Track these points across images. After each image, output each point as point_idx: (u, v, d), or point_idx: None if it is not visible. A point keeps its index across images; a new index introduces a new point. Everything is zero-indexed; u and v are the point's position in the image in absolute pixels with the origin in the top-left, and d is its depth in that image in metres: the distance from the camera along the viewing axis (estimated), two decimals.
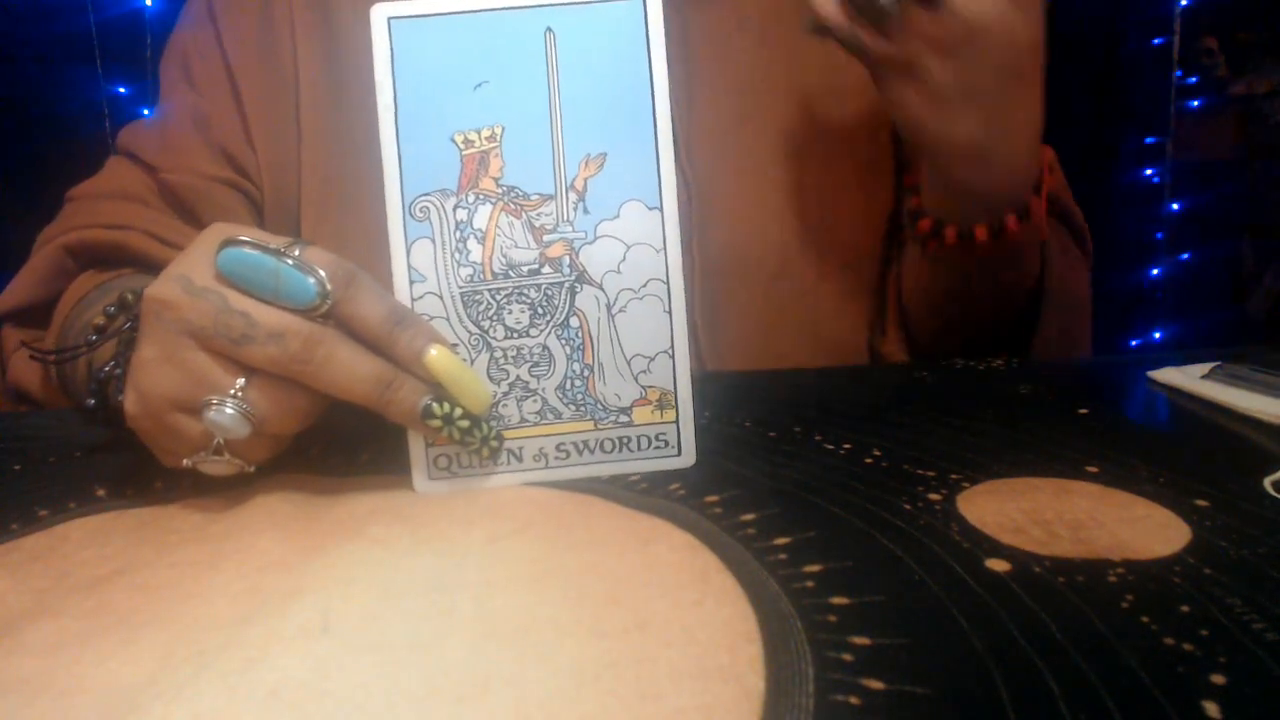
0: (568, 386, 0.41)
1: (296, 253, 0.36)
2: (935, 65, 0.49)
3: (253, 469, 0.39)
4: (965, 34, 0.48)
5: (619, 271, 0.40)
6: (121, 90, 1.55)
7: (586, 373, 0.41)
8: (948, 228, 0.58)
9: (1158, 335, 1.95)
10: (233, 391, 0.36)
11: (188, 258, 0.38)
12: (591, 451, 0.41)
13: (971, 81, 0.50)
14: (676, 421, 0.41)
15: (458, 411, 0.38)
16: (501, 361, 0.40)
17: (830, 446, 0.44)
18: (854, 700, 0.24)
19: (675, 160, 0.44)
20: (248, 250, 0.36)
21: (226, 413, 0.36)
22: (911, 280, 0.65)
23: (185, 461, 0.38)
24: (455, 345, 0.40)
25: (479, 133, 0.40)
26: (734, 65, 0.64)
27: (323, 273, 0.36)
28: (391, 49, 0.39)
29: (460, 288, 0.40)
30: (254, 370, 0.37)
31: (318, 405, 0.39)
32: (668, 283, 0.41)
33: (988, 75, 0.49)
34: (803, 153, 0.65)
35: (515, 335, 0.40)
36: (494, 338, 0.40)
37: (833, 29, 0.51)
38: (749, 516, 0.36)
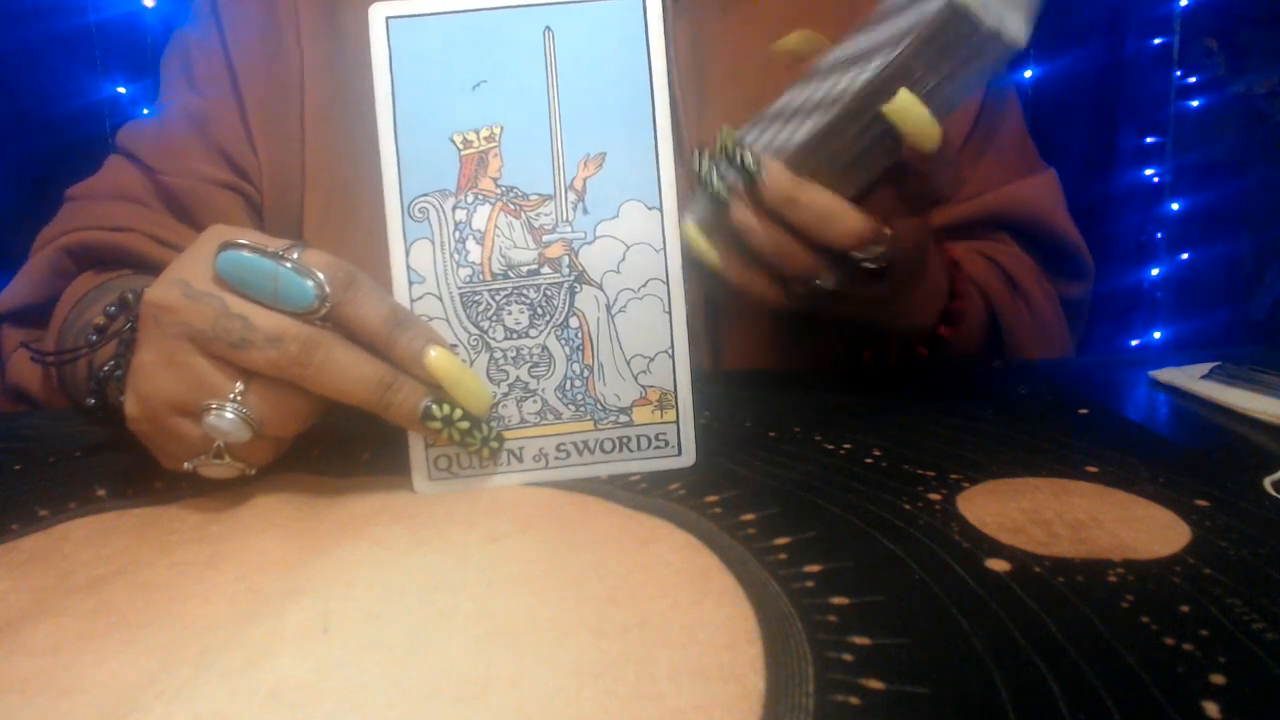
0: (567, 387, 0.41)
1: (295, 255, 0.36)
2: (883, 290, 0.49)
3: (253, 471, 0.39)
4: (906, 265, 0.48)
5: (618, 271, 0.40)
6: (121, 90, 1.55)
7: (586, 373, 0.41)
8: (890, 356, 0.62)
9: (1158, 335, 1.95)
10: (232, 395, 0.36)
11: (186, 261, 0.38)
12: (591, 451, 0.41)
13: (905, 275, 0.51)
14: (676, 421, 0.41)
15: (458, 413, 0.38)
16: (501, 362, 0.40)
17: (830, 446, 0.44)
18: (854, 700, 0.24)
19: (685, 164, 0.43)
20: (246, 253, 0.36)
21: (226, 417, 0.36)
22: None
23: (186, 465, 0.38)
24: (455, 346, 0.40)
25: (478, 133, 0.40)
26: (746, 73, 0.64)
27: (321, 275, 0.36)
28: (390, 48, 0.39)
29: (459, 288, 0.40)
30: (253, 374, 0.37)
31: (317, 408, 0.39)
32: (667, 283, 0.41)
33: (913, 263, 0.51)
34: None
35: (515, 336, 0.40)
36: (493, 338, 0.40)
37: (764, 303, 0.48)
38: (749, 516, 0.36)
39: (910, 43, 0.40)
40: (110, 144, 0.67)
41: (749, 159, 0.43)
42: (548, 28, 0.40)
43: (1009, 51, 0.39)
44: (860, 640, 0.27)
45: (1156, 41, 1.85)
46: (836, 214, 0.43)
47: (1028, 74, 1.71)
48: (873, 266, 0.45)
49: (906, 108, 0.40)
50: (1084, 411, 0.49)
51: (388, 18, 0.39)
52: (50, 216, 0.64)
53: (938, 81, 0.40)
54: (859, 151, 0.43)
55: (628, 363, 0.41)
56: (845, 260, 0.45)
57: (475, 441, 0.39)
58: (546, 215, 0.40)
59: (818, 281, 0.45)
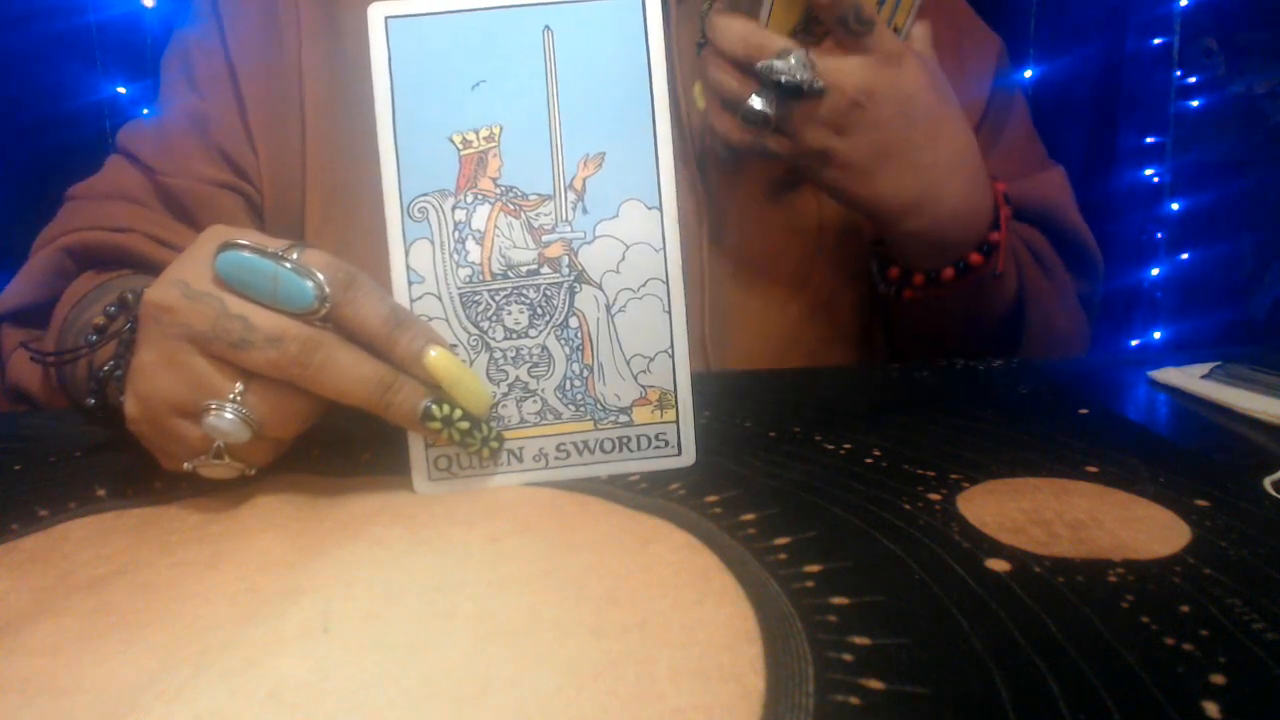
0: (567, 387, 0.41)
1: (295, 256, 0.36)
2: (839, 143, 0.52)
3: (253, 472, 0.39)
4: (850, 106, 0.50)
5: (618, 271, 0.40)
6: (121, 90, 1.55)
7: (586, 373, 0.41)
8: (915, 274, 0.60)
9: (1158, 335, 1.95)
10: (232, 396, 0.36)
11: (186, 261, 0.38)
12: (591, 451, 0.41)
13: (877, 143, 0.52)
14: (676, 421, 0.41)
15: (457, 413, 0.38)
16: (501, 362, 0.40)
17: (830, 446, 0.44)
18: (854, 700, 0.24)
19: (686, 163, 0.44)
20: (246, 254, 0.36)
21: (226, 417, 0.36)
22: (894, 326, 0.68)
23: (185, 465, 0.38)
24: (454, 346, 0.40)
25: (477, 133, 0.40)
26: None
27: (321, 276, 0.36)
28: (389, 48, 0.39)
29: (459, 288, 0.40)
30: (253, 374, 0.37)
31: (317, 408, 0.39)
32: (667, 282, 0.41)
33: (890, 133, 0.52)
34: None
35: (514, 336, 0.40)
36: (493, 338, 0.40)
37: (741, 147, 0.53)
38: (749, 516, 0.36)
39: None
40: (110, 144, 0.67)
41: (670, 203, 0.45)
42: (547, 27, 0.40)
43: None
44: (860, 640, 0.27)
45: (1156, 41, 1.85)
46: (733, 25, 0.50)
47: (1028, 74, 1.71)
48: (786, 81, 0.49)
49: None
50: (1084, 411, 0.49)
51: (387, 17, 0.39)
52: (50, 216, 0.64)
53: None
54: None
55: (627, 362, 0.41)
56: (764, 78, 0.49)
57: (475, 442, 0.39)
58: (546, 215, 0.40)
59: (751, 102, 0.50)
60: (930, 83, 0.52)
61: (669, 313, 0.41)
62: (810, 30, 0.51)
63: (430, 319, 0.40)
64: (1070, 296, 0.69)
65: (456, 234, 0.40)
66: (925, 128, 0.52)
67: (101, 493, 0.42)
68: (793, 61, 0.49)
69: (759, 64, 0.49)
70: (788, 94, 0.49)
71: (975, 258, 0.58)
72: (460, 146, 0.40)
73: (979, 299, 0.61)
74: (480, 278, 0.40)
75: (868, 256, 0.65)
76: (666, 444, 0.41)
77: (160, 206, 0.63)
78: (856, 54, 0.50)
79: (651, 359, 0.41)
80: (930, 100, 0.52)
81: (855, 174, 0.53)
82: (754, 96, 0.50)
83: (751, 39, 0.50)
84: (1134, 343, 1.95)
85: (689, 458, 0.42)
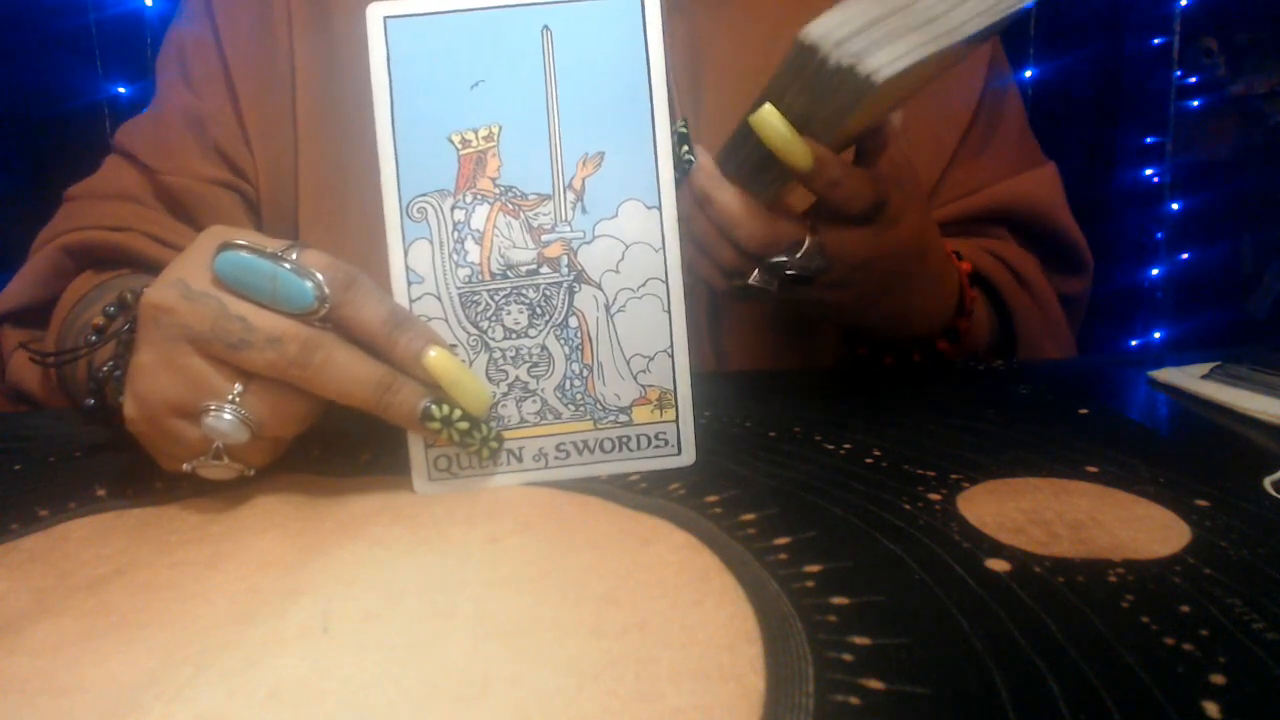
0: (567, 386, 0.41)
1: (294, 256, 0.36)
2: (833, 296, 0.51)
3: (252, 472, 0.39)
4: (850, 272, 0.49)
5: (618, 271, 0.40)
6: (121, 90, 1.55)
7: (585, 373, 0.41)
8: (885, 355, 0.62)
9: (1158, 335, 1.95)
10: (231, 397, 0.36)
11: (185, 261, 0.38)
12: (591, 451, 0.41)
13: (871, 292, 0.51)
14: (676, 420, 0.41)
15: (457, 413, 0.38)
16: (500, 362, 0.40)
17: (830, 446, 0.44)
18: (854, 700, 0.24)
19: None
20: (245, 254, 0.36)
21: (225, 418, 0.36)
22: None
23: (185, 466, 0.38)
24: (454, 346, 0.40)
25: (476, 132, 0.40)
26: (743, 68, 0.64)
27: (320, 276, 0.36)
28: (387, 48, 0.39)
29: (458, 288, 0.40)
30: (252, 375, 0.37)
31: (316, 409, 0.39)
32: (666, 282, 0.41)
33: (884, 281, 0.51)
34: None
35: (514, 336, 0.40)
36: (492, 338, 0.40)
37: (722, 293, 0.51)
38: (749, 516, 0.36)
39: (778, 69, 0.41)
40: (110, 144, 0.67)
41: (685, 152, 0.44)
42: (546, 27, 0.40)
43: (871, 86, 0.39)
44: (860, 640, 0.27)
45: (1156, 41, 1.85)
46: (742, 219, 0.46)
47: (1028, 74, 1.71)
48: (793, 273, 0.47)
49: (765, 120, 0.42)
50: (1084, 411, 0.49)
51: (385, 17, 0.39)
52: (50, 216, 0.64)
53: (805, 107, 0.42)
54: (759, 160, 0.45)
55: (627, 362, 0.41)
56: (773, 269, 0.47)
57: (475, 442, 0.39)
58: (545, 215, 0.40)
59: (750, 281, 0.48)
60: (920, 210, 0.51)
61: (668, 312, 0.41)
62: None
63: (429, 319, 0.40)
64: (1054, 317, 0.69)
65: (455, 234, 0.40)
66: (915, 257, 0.52)
67: (101, 493, 0.42)
68: (803, 253, 0.46)
69: (770, 259, 0.47)
70: (796, 282, 0.47)
71: (942, 345, 0.60)
72: (459, 146, 0.40)
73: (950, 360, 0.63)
74: (479, 278, 0.40)
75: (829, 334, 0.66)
76: (666, 443, 0.41)
77: (159, 205, 0.63)
78: (860, 225, 0.48)
79: (651, 358, 0.41)
80: (920, 229, 0.51)
81: (849, 313, 0.54)
82: (755, 274, 0.47)
83: (762, 232, 0.46)
84: (1134, 343, 1.95)
85: (689, 457, 0.42)
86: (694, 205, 0.47)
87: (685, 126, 0.46)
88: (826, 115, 0.42)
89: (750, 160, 0.46)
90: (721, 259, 0.48)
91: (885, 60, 0.38)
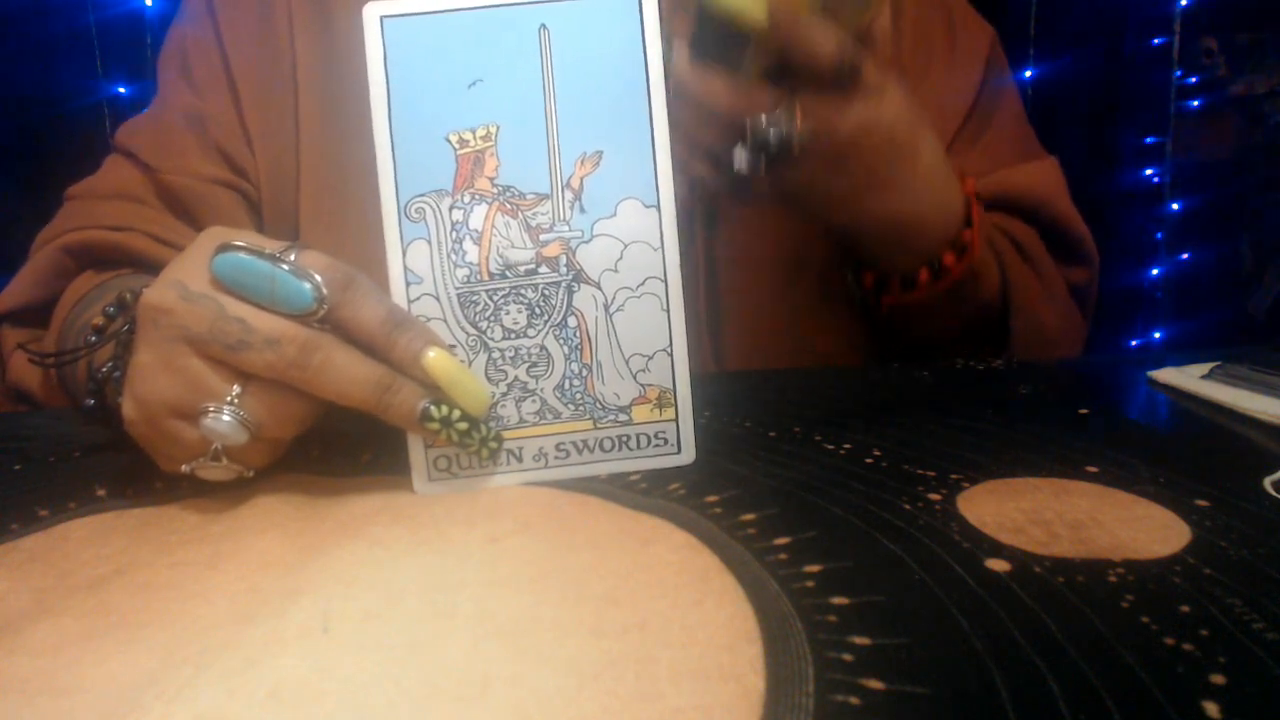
0: (566, 386, 0.41)
1: (292, 257, 0.36)
2: (824, 182, 0.50)
3: (251, 474, 0.39)
4: (837, 149, 0.49)
5: (616, 270, 0.40)
6: (121, 90, 1.55)
7: (585, 372, 0.41)
8: (891, 280, 0.60)
9: (1158, 335, 1.95)
10: (229, 398, 0.36)
11: (184, 262, 0.38)
12: (591, 451, 0.41)
13: (862, 176, 0.51)
14: (676, 420, 0.41)
15: (456, 413, 0.38)
16: (499, 362, 0.40)
17: (830, 446, 0.44)
18: (854, 700, 0.24)
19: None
20: (243, 255, 0.36)
21: (224, 420, 0.36)
22: (878, 335, 0.67)
23: (184, 467, 0.38)
24: (453, 347, 0.40)
25: (474, 132, 0.40)
26: None
27: (319, 277, 0.36)
28: (384, 48, 0.39)
29: (457, 289, 0.40)
30: (251, 376, 0.37)
31: (315, 410, 0.39)
32: (665, 281, 0.41)
33: (874, 164, 0.51)
34: None
35: (513, 336, 0.40)
36: (491, 338, 0.40)
37: (720, 189, 0.51)
38: (749, 516, 0.36)
39: None
40: (110, 144, 0.67)
41: (665, 52, 0.44)
42: (543, 26, 0.40)
43: None
44: (860, 640, 0.27)
45: (1156, 41, 1.85)
46: (718, 90, 0.46)
47: (1028, 74, 1.71)
48: (775, 144, 0.46)
49: None
50: (1084, 411, 0.49)
51: (382, 17, 0.39)
52: (50, 216, 0.64)
53: None
54: (724, 38, 0.45)
55: (626, 361, 0.41)
56: (753, 139, 0.47)
57: (474, 442, 0.39)
58: (544, 214, 0.40)
59: (736, 165, 0.47)
60: (906, 101, 0.51)
61: (667, 311, 0.41)
62: (784, 74, 0.48)
63: (428, 319, 0.40)
64: (1060, 295, 0.68)
65: (454, 234, 0.40)
66: (905, 150, 0.52)
67: (101, 493, 0.42)
68: (782, 118, 0.46)
69: (748, 122, 0.47)
70: (778, 151, 0.47)
71: (948, 257, 0.58)
72: (457, 146, 0.40)
73: (959, 300, 0.61)
74: (478, 278, 0.40)
75: (840, 266, 0.64)
76: (666, 442, 0.41)
77: (160, 205, 0.63)
78: (841, 97, 0.47)
79: (650, 357, 0.41)
80: (907, 120, 0.51)
81: (838, 205, 0.53)
82: (738, 149, 0.47)
83: (737, 98, 0.47)
84: (1134, 343, 1.95)
85: (688, 456, 0.42)
86: (677, 98, 0.47)
87: (664, 29, 0.47)
88: None
89: (716, 39, 0.46)
90: (706, 141, 0.48)
91: None
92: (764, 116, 0.46)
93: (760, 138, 0.47)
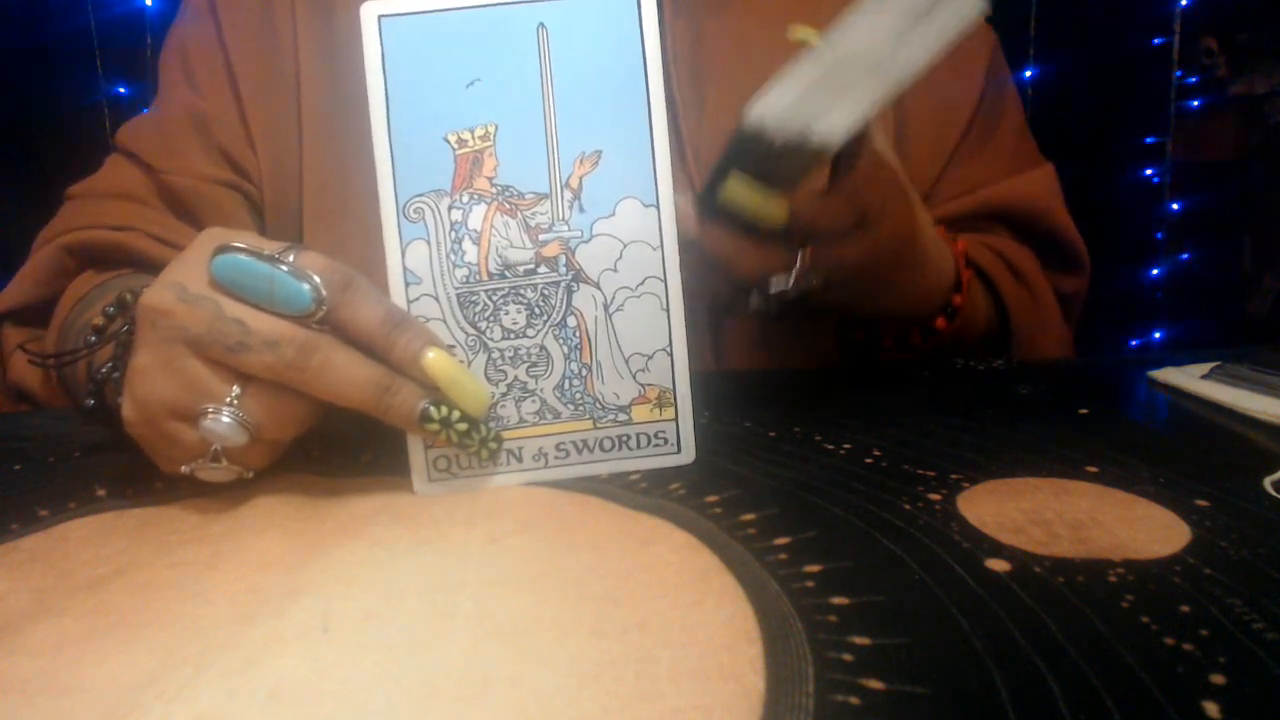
0: (566, 386, 0.41)
1: (291, 258, 0.36)
2: (832, 295, 0.50)
3: (250, 475, 0.39)
4: (848, 274, 0.49)
5: (616, 270, 0.40)
6: (121, 90, 1.55)
7: (584, 372, 0.41)
8: (884, 339, 0.62)
9: (1158, 335, 1.95)
10: (229, 399, 0.36)
11: (182, 264, 0.37)
12: (591, 450, 0.41)
13: (869, 284, 0.51)
14: (675, 419, 0.41)
15: (456, 414, 0.38)
16: (499, 362, 0.40)
17: (830, 446, 0.44)
18: (854, 700, 0.24)
19: (684, 165, 0.43)
20: (242, 256, 0.36)
21: (223, 421, 0.36)
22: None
23: (183, 468, 0.38)
24: (452, 347, 0.40)
25: (472, 132, 0.40)
26: (746, 71, 0.64)
27: (317, 279, 0.36)
28: (382, 48, 0.39)
29: (456, 289, 0.40)
30: (250, 377, 0.37)
31: (314, 411, 0.39)
32: (665, 280, 0.41)
33: (881, 271, 0.51)
34: None
35: (512, 336, 0.40)
36: (491, 339, 0.40)
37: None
38: (749, 516, 0.36)
39: (730, 142, 0.41)
40: (110, 144, 0.67)
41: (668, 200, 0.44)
42: (541, 25, 0.40)
43: (826, 150, 0.38)
44: (860, 640, 0.27)
45: (1156, 41, 1.85)
46: (729, 255, 0.46)
47: (1028, 74, 1.71)
48: (791, 295, 0.47)
49: (736, 195, 0.43)
50: (1084, 411, 0.49)
51: (380, 16, 0.39)
52: (50, 216, 0.64)
53: (767, 169, 0.42)
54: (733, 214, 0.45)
55: (626, 361, 0.41)
56: (770, 291, 0.47)
57: (474, 442, 0.39)
58: (543, 214, 0.40)
59: (751, 308, 0.48)
60: (907, 202, 0.51)
61: (667, 311, 0.41)
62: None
63: (427, 320, 0.40)
64: (1052, 313, 0.69)
65: (453, 234, 0.40)
66: (910, 244, 0.52)
67: (101, 493, 0.42)
68: (795, 275, 0.46)
69: (762, 279, 0.47)
70: (795, 299, 0.47)
71: (940, 322, 0.59)
72: (455, 146, 0.40)
73: (952, 345, 0.63)
74: (477, 278, 0.40)
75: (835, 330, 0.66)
76: (666, 442, 0.41)
77: (161, 205, 0.63)
78: (846, 237, 0.47)
79: (650, 357, 0.41)
80: (908, 233, 0.51)
81: (852, 307, 0.54)
82: (754, 295, 0.48)
83: (752, 264, 0.46)
84: (1134, 343, 1.95)
85: (688, 455, 0.42)
86: (684, 247, 0.47)
87: None
88: (789, 171, 0.42)
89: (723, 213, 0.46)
90: (718, 292, 0.49)
91: (836, 123, 0.38)
92: (778, 277, 0.46)
93: (778, 291, 0.47)
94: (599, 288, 0.40)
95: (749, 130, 0.39)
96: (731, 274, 0.47)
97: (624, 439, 0.41)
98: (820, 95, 0.38)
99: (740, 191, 0.43)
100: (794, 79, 0.38)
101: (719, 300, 0.50)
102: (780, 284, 0.47)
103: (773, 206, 0.43)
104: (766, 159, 0.41)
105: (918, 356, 0.62)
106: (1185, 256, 1.92)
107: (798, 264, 0.47)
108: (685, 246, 0.47)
